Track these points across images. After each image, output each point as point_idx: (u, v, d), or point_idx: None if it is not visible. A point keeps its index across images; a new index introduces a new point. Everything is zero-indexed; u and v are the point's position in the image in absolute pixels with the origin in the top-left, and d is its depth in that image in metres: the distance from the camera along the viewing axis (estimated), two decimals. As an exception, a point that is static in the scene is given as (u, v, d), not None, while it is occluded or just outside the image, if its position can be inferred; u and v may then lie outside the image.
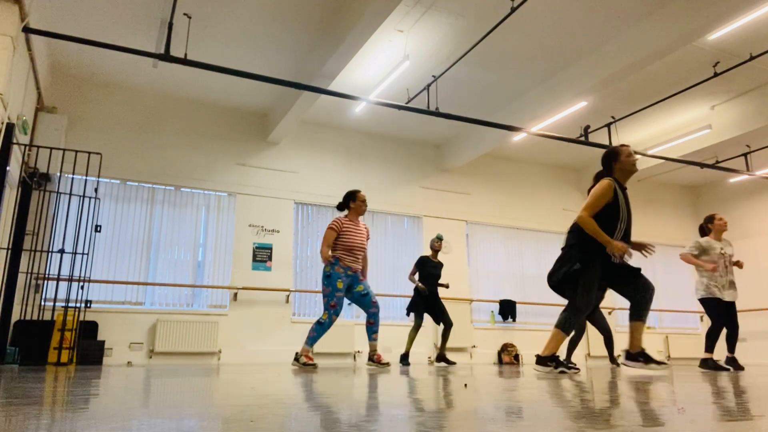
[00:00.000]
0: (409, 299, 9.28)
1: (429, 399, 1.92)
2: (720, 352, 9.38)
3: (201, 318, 7.83)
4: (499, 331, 9.91)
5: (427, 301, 7.43)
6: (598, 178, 4.47)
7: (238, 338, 8.03)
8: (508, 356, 9.51)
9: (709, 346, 6.04)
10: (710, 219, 6.34)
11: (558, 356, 4.23)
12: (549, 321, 10.44)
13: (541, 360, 4.21)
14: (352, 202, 5.75)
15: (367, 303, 5.61)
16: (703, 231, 6.44)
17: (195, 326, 7.67)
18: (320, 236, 9.08)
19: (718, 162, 9.95)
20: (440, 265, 7.64)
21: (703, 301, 6.15)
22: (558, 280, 4.33)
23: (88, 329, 7.06)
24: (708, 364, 5.96)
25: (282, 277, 8.53)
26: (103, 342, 6.85)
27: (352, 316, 8.89)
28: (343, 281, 5.49)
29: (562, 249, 4.40)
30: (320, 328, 5.42)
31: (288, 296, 8.48)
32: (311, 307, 8.71)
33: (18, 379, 3.10)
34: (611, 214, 4.11)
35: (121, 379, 3.17)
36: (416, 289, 7.44)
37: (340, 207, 5.80)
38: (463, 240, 10.13)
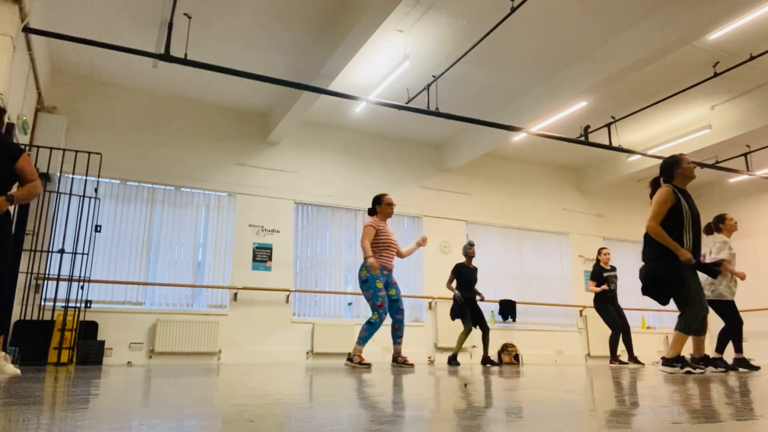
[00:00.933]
0: (413, 299, 9.32)
1: (429, 399, 1.92)
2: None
3: (201, 318, 7.83)
4: (499, 331, 9.91)
5: (468, 305, 7.44)
6: (654, 184, 4.71)
7: (238, 338, 8.03)
8: (508, 356, 9.51)
9: (738, 345, 5.98)
10: (722, 219, 6.25)
11: (683, 357, 4.42)
12: (549, 321, 10.44)
13: (667, 362, 4.44)
14: (377, 205, 5.96)
15: (395, 309, 5.78)
16: (710, 230, 6.39)
17: (195, 326, 7.67)
18: (320, 236, 9.07)
19: (718, 162, 9.95)
20: (475, 270, 7.67)
21: (711, 303, 6.06)
22: (657, 294, 4.49)
23: (88, 329, 7.06)
24: (741, 365, 5.93)
25: (282, 277, 8.53)
26: (103, 342, 6.85)
27: (351, 316, 8.89)
28: (381, 281, 5.64)
29: (648, 260, 4.51)
30: (371, 327, 5.58)
31: (288, 296, 8.48)
32: (311, 307, 8.71)
33: (18, 379, 3.10)
34: (676, 219, 4.36)
35: (121, 379, 3.17)
36: (455, 297, 7.47)
37: (371, 212, 6.00)
38: (463, 240, 10.12)
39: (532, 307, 10.36)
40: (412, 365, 5.72)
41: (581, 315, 10.71)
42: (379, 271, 5.64)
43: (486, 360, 7.50)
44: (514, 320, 9.88)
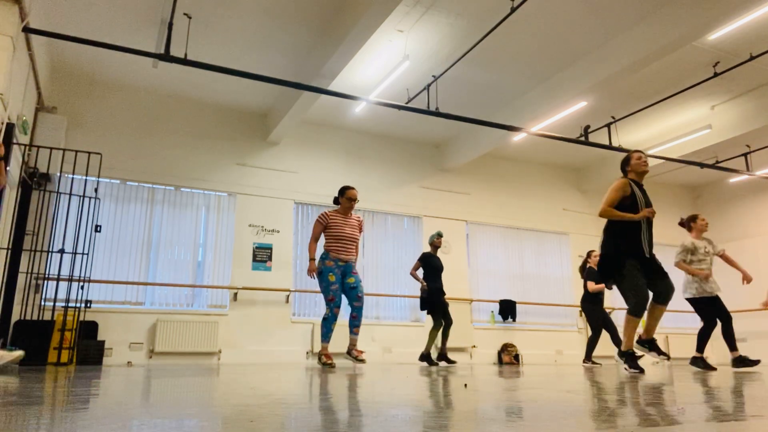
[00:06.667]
0: (414, 299, 9.32)
1: (429, 399, 1.92)
2: (722, 353, 9.37)
3: (201, 318, 7.83)
4: (499, 331, 9.91)
5: (435, 297, 7.36)
6: None
7: (238, 338, 8.03)
8: (508, 356, 9.51)
9: (700, 346, 6.10)
10: (693, 218, 6.44)
11: (633, 352, 4.73)
12: (549, 321, 10.44)
13: (622, 354, 4.76)
14: (340, 197, 5.94)
15: (353, 296, 5.73)
16: (683, 227, 6.56)
17: (195, 326, 7.67)
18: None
19: (718, 162, 9.95)
20: (440, 259, 7.64)
21: (693, 300, 6.20)
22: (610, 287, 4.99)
23: (88, 329, 7.06)
24: (698, 364, 6.00)
25: (282, 277, 8.53)
26: (103, 342, 6.85)
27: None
28: (335, 273, 5.66)
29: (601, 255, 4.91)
30: (326, 323, 5.62)
31: (288, 296, 8.48)
32: (311, 307, 8.71)
33: (18, 379, 3.10)
34: (632, 208, 4.74)
35: (121, 379, 3.17)
36: (422, 288, 7.41)
37: (335, 201, 6.00)
38: (463, 240, 10.12)
39: (532, 307, 10.36)
40: (363, 360, 5.65)
41: (581, 315, 10.71)
42: (314, 274, 5.68)
43: (443, 357, 7.38)
44: (514, 320, 9.89)
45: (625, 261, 4.63)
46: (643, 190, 4.90)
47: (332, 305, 5.58)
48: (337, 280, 5.66)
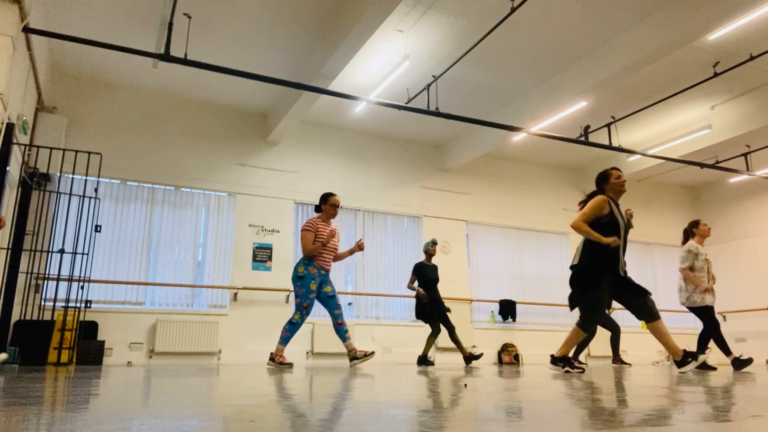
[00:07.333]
0: (410, 300, 9.32)
1: (429, 399, 1.92)
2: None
3: (201, 318, 7.83)
4: (499, 331, 9.91)
5: (431, 306, 7.37)
6: (591, 196, 4.92)
7: (238, 338, 8.03)
8: (508, 356, 9.51)
9: (701, 347, 6.12)
10: (695, 224, 6.46)
11: (568, 357, 4.69)
12: (549, 321, 10.44)
13: (555, 360, 4.73)
14: (323, 204, 5.81)
15: (332, 305, 5.71)
16: (687, 235, 6.54)
17: (195, 326, 7.67)
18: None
19: (718, 162, 9.95)
20: (436, 267, 7.62)
21: (688, 308, 6.27)
22: (575, 302, 4.76)
23: (88, 329, 7.06)
24: (736, 363, 5.99)
25: (282, 277, 8.53)
26: (103, 342, 6.85)
27: (352, 316, 8.89)
28: (315, 282, 5.60)
29: (572, 267, 4.77)
30: (293, 327, 5.55)
31: (288, 296, 8.47)
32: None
33: (18, 379, 3.10)
34: (611, 227, 4.60)
35: (121, 379, 3.17)
36: (418, 297, 7.41)
37: (317, 209, 5.88)
38: (463, 240, 10.12)
39: (532, 307, 10.36)
40: (372, 353, 5.57)
41: (581, 315, 10.70)
42: (305, 266, 5.58)
43: (470, 357, 7.36)
44: (514, 320, 9.89)
45: (600, 276, 4.53)
46: (619, 208, 4.79)
47: (305, 313, 5.53)
48: (316, 289, 5.63)
